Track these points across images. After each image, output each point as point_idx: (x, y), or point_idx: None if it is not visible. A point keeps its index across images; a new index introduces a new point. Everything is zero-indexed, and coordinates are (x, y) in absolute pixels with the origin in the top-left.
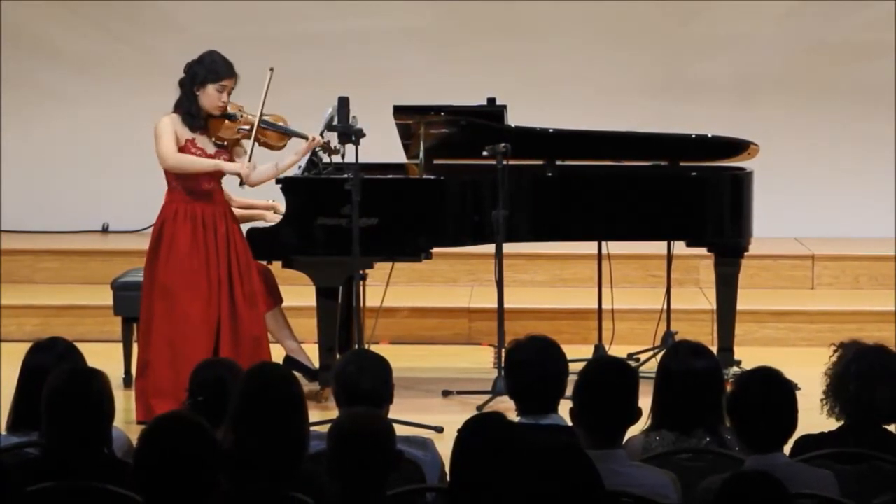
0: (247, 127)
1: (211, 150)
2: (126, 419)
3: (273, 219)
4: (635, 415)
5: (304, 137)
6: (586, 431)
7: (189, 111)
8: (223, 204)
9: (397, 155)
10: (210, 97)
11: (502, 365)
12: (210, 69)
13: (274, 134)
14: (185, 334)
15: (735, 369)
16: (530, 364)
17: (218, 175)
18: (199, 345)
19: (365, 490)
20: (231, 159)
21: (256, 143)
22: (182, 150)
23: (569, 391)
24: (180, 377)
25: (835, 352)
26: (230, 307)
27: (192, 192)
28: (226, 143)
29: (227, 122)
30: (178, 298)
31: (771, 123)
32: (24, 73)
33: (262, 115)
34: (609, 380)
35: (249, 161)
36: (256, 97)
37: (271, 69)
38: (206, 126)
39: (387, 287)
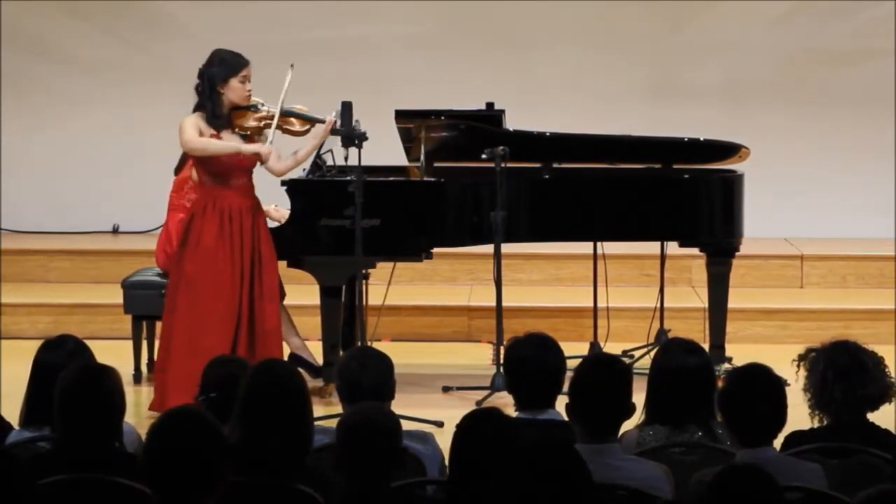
0: (269, 117)
1: (236, 143)
2: (136, 414)
3: (277, 218)
4: (629, 410)
5: (323, 122)
6: (582, 426)
7: (213, 112)
8: (251, 199)
9: (399, 158)
10: (236, 90)
11: (501, 361)
12: (226, 65)
13: (296, 120)
14: (207, 327)
15: (726, 366)
16: (529, 360)
17: (247, 169)
18: (220, 338)
19: (370, 483)
20: (266, 159)
21: (279, 131)
22: None
23: (566, 387)
24: (200, 369)
25: (799, 364)
26: (249, 301)
27: (221, 186)
28: (249, 132)
29: (249, 112)
30: (202, 291)
31: (761, 127)
32: (38, 77)
33: (282, 103)
34: (602, 376)
35: (271, 143)
36: (268, 99)
37: (291, 66)
38: (230, 121)
39: (388, 286)
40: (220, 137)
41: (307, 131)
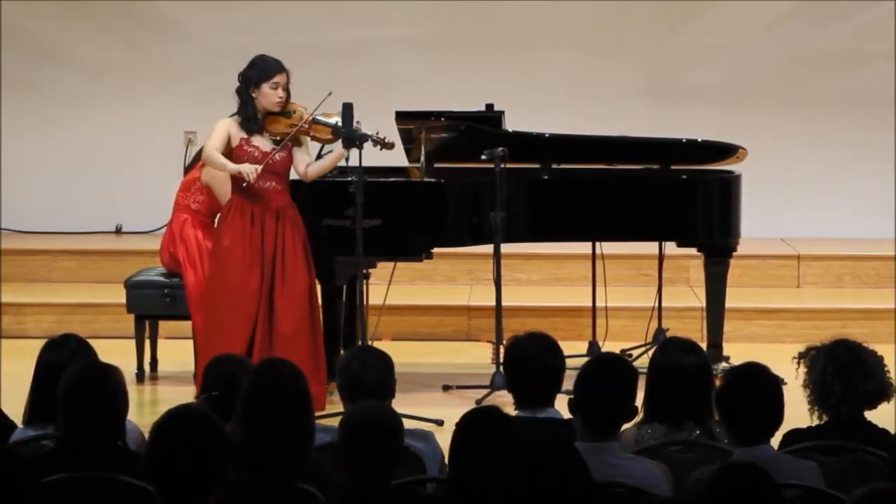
0: (297, 122)
1: (267, 147)
2: (139, 413)
3: None
4: (632, 412)
5: (348, 132)
6: (584, 424)
7: (247, 115)
8: (278, 202)
9: (399, 159)
10: (266, 95)
11: (500, 360)
12: (260, 69)
13: (322, 128)
14: (221, 328)
15: (724, 365)
16: (529, 359)
17: (276, 173)
18: (235, 339)
19: (372, 481)
20: (288, 155)
21: (308, 137)
22: (237, 148)
23: (565, 386)
24: None
25: (799, 362)
26: (268, 304)
27: (247, 189)
28: (279, 137)
29: (282, 118)
30: (218, 292)
31: (758, 128)
32: (41, 79)
33: (315, 112)
34: (610, 377)
35: (267, 161)
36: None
37: (329, 93)
38: (263, 126)
39: (389, 285)
40: (250, 142)
41: (333, 139)
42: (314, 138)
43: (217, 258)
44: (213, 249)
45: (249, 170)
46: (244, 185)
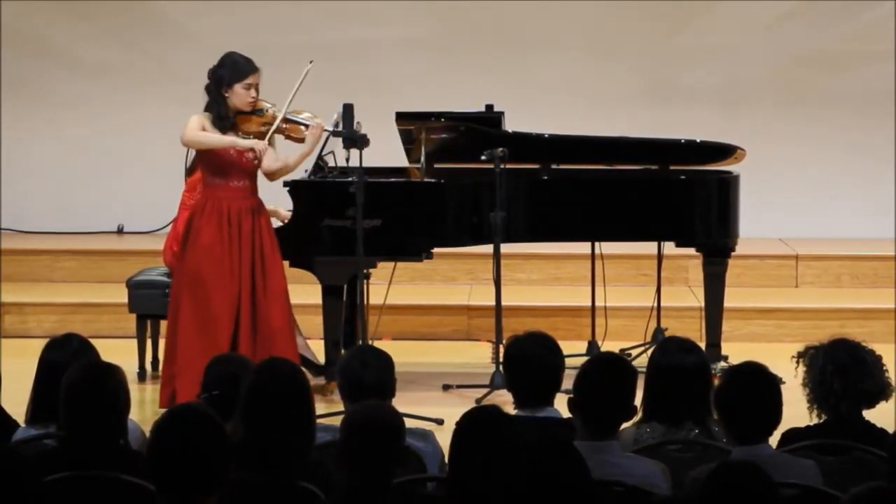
0: (271, 121)
1: (232, 138)
2: (140, 412)
3: (283, 217)
4: (631, 411)
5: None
6: (583, 423)
7: (219, 114)
8: (252, 200)
9: (399, 159)
10: (239, 95)
11: (500, 360)
12: (233, 69)
13: (296, 126)
14: (208, 323)
15: (722, 364)
16: (528, 359)
17: (247, 170)
18: (222, 335)
19: (372, 479)
20: (260, 155)
21: (283, 136)
22: None
23: (565, 385)
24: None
25: (798, 361)
26: (251, 300)
27: (221, 186)
28: (251, 136)
29: (254, 116)
30: (203, 289)
31: (757, 129)
32: (44, 80)
33: (287, 108)
34: (610, 376)
35: (268, 143)
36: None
37: (311, 62)
38: (235, 124)
39: (389, 285)
40: None
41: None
42: (290, 137)
43: (194, 256)
44: (191, 247)
45: (262, 146)
46: (255, 161)
